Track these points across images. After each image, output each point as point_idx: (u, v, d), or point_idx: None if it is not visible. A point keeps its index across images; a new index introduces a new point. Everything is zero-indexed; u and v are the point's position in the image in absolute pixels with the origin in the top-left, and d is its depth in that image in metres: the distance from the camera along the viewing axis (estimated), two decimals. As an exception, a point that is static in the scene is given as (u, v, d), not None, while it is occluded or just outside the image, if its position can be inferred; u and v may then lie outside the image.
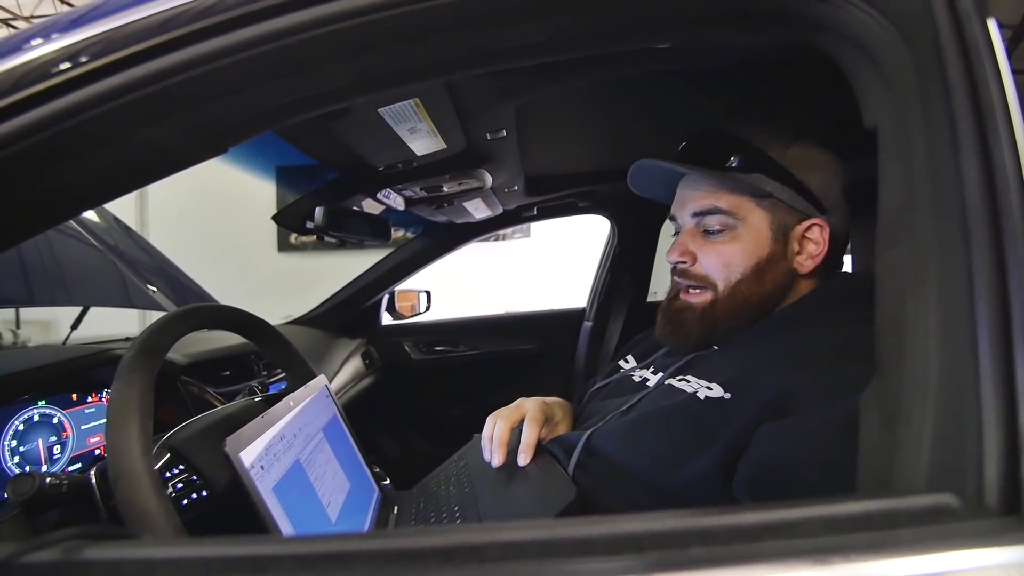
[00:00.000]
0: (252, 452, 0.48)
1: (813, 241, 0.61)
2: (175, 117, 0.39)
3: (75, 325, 1.17)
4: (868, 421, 0.33)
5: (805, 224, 0.61)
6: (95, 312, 1.13)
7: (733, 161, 0.61)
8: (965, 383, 0.27)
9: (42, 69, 0.37)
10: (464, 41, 0.41)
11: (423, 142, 0.79)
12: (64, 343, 1.02)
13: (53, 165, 0.38)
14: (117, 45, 0.36)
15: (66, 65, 0.37)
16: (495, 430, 0.66)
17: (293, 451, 0.56)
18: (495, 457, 0.65)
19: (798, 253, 0.61)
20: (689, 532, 0.21)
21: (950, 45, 0.34)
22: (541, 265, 3.08)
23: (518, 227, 3.10)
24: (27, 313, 2.68)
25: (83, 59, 0.37)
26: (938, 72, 0.34)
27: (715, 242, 0.62)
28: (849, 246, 0.82)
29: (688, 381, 0.59)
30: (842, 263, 0.67)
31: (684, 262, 0.63)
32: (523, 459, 0.64)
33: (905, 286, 0.33)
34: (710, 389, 0.55)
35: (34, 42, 0.38)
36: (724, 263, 0.61)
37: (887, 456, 0.30)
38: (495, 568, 0.20)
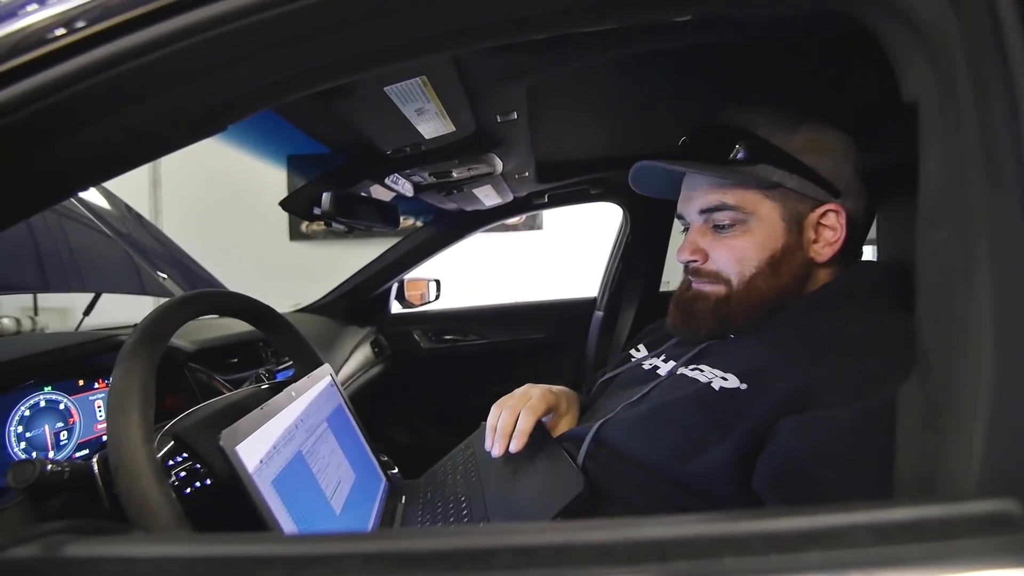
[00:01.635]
0: (249, 445, 0.46)
1: (829, 227, 0.59)
2: (174, 89, 0.37)
3: (87, 311, 1.18)
4: (907, 418, 0.31)
5: (819, 211, 0.58)
6: (113, 300, 1.14)
7: (737, 153, 0.58)
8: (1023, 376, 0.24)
9: (37, 36, 0.35)
10: (470, 11, 0.39)
11: (431, 124, 0.76)
12: (76, 329, 1.03)
13: (50, 138, 0.37)
14: (115, 10, 0.35)
15: (61, 31, 0.35)
16: (499, 420, 0.65)
17: (294, 443, 0.54)
18: (496, 447, 0.64)
19: (815, 241, 0.59)
20: (720, 539, 0.19)
21: (1007, 8, 0.31)
22: (552, 259, 3.04)
23: (529, 220, 3.07)
24: (44, 300, 2.72)
25: (80, 24, 0.35)
26: (993, 38, 0.31)
27: (726, 237, 0.59)
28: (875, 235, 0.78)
29: (702, 371, 0.57)
30: (861, 251, 0.64)
31: (695, 260, 0.61)
32: (515, 445, 0.63)
33: (952, 271, 0.30)
34: (725, 380, 0.53)
35: (30, 7, 0.37)
36: (737, 258, 0.59)
37: (931, 456, 0.27)
38: (503, 577, 0.18)
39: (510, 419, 0.64)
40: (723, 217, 0.59)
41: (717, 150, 0.59)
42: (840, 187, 0.58)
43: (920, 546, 0.19)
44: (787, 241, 0.58)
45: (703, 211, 0.60)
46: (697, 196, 0.61)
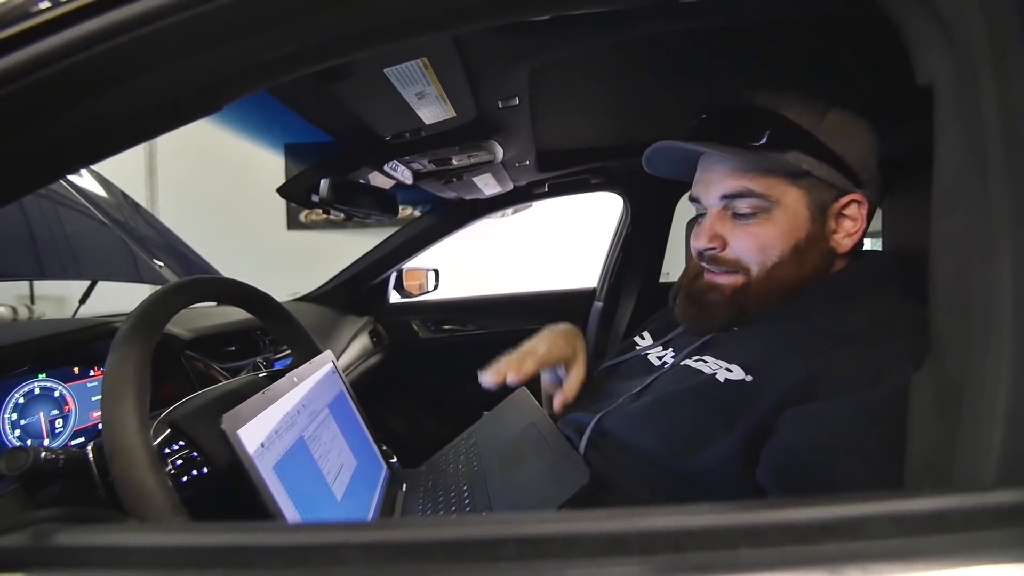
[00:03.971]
0: (251, 429, 0.46)
1: (850, 218, 0.57)
2: (164, 66, 0.36)
3: (83, 299, 1.17)
4: (920, 407, 0.30)
5: (843, 200, 0.56)
6: (113, 288, 1.13)
7: (764, 137, 0.55)
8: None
9: (20, 9, 0.34)
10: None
11: (431, 109, 0.75)
12: (73, 317, 1.02)
13: (35, 117, 0.36)
14: None
15: (46, 4, 0.34)
16: (505, 363, 0.67)
17: (296, 428, 0.54)
18: (489, 376, 0.66)
19: (835, 232, 0.57)
20: (735, 530, 0.18)
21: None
22: (551, 242, 3.03)
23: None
24: (41, 288, 2.70)
25: None
26: (1016, 18, 0.30)
27: (748, 225, 0.56)
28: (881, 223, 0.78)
29: (706, 362, 0.56)
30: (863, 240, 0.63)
31: (713, 248, 0.58)
32: (511, 377, 0.65)
33: (969, 256, 0.29)
34: (730, 371, 0.52)
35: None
36: (759, 247, 0.56)
37: (944, 446, 0.27)
38: (511, 568, 0.18)
39: (516, 359, 0.67)
40: (746, 204, 0.56)
41: (744, 132, 0.56)
42: (863, 177, 0.56)
43: (941, 537, 0.18)
44: (811, 230, 0.56)
45: (724, 196, 0.57)
46: (718, 180, 0.58)
